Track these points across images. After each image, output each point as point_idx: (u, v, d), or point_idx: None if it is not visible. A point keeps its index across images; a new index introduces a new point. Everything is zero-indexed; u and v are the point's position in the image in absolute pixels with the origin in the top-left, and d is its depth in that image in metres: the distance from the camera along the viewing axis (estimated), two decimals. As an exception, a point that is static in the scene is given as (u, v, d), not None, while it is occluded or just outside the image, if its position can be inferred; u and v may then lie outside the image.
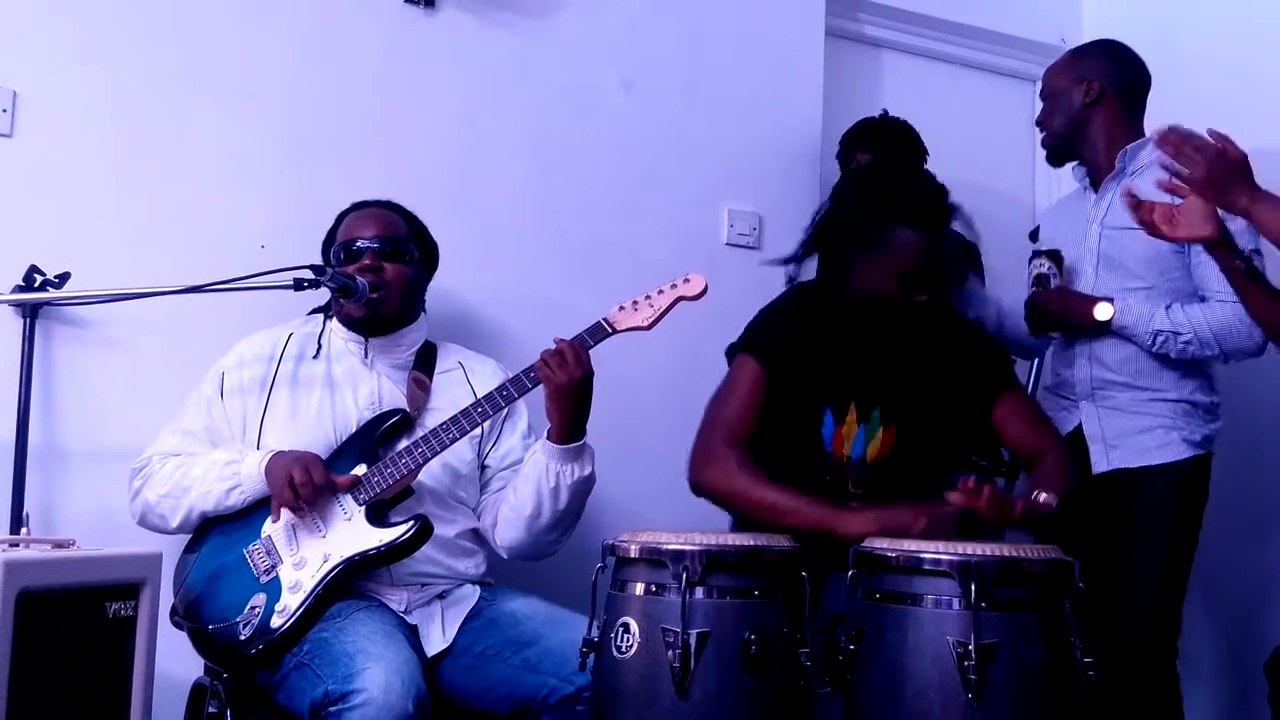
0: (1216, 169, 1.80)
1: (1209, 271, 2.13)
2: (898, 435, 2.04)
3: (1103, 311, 2.20)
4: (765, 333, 2.08)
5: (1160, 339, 2.17)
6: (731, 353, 2.11)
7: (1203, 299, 2.17)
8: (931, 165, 2.33)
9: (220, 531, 1.96)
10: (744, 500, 1.94)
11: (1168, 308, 2.18)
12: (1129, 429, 2.24)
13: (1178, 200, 1.92)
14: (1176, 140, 1.83)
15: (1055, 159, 2.43)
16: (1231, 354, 2.16)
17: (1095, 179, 2.35)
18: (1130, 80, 2.34)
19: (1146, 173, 2.21)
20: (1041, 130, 2.43)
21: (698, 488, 2.01)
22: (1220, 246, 1.96)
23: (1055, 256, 2.31)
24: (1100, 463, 2.26)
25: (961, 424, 2.07)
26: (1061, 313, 2.28)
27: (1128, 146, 2.29)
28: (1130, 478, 2.23)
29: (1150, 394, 2.24)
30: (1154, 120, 2.92)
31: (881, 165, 2.46)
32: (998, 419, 2.06)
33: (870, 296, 1.96)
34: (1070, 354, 2.34)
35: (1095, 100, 2.30)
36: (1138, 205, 1.97)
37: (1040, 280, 2.31)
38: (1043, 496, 1.83)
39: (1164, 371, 2.23)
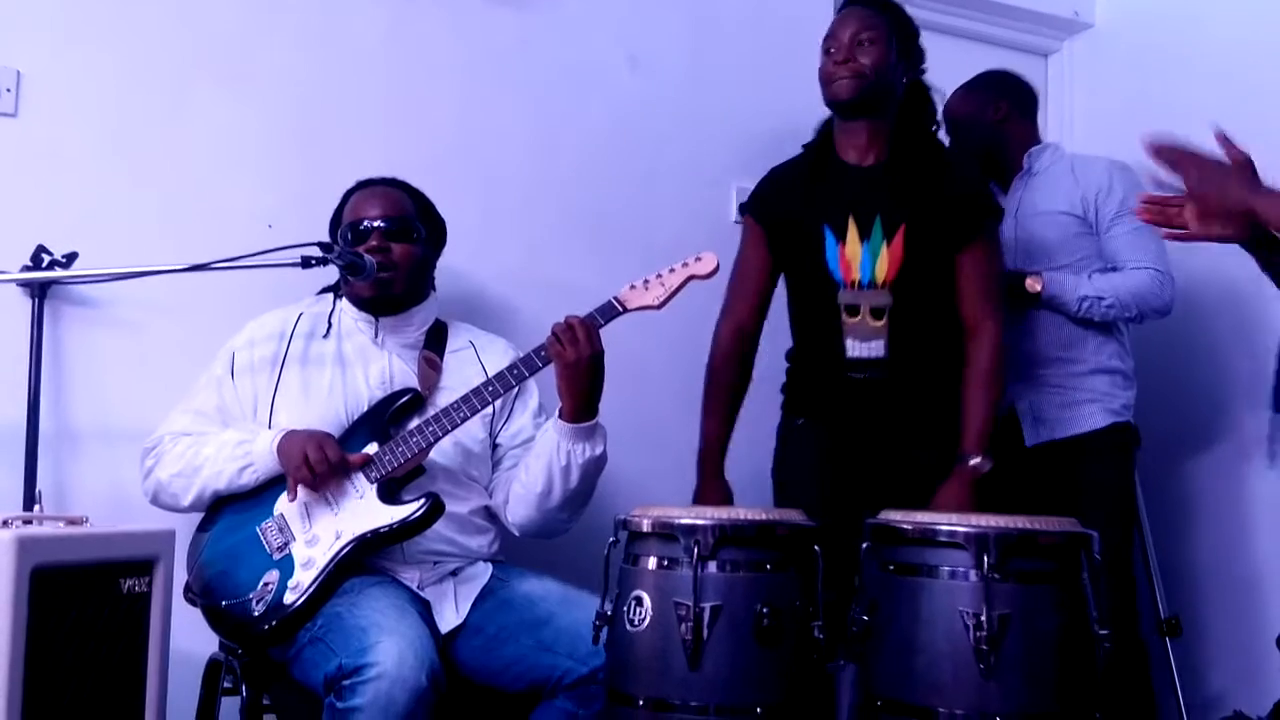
0: (1208, 173, 1.68)
1: (1120, 244, 2.40)
2: (905, 248, 2.06)
3: (1033, 284, 2.39)
4: (757, 188, 2.25)
5: (1085, 304, 2.38)
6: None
7: (1115, 268, 2.40)
8: (943, 138, 2.36)
9: (233, 510, 1.96)
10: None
11: (1089, 276, 2.40)
12: (1055, 403, 2.43)
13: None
14: (1168, 153, 1.71)
15: None
16: (1147, 314, 2.41)
17: (1008, 181, 2.57)
18: (1025, 96, 2.61)
19: (1049, 170, 2.51)
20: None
21: None
22: (1255, 245, 1.78)
23: None
24: (1030, 436, 2.44)
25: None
26: None
27: (1033, 148, 2.55)
28: (1059, 449, 2.42)
29: (1074, 365, 2.43)
30: (1171, 93, 2.90)
31: None
32: (960, 265, 2.12)
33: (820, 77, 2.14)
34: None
35: (1004, 116, 2.55)
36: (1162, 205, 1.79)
37: None
38: (972, 461, 2.01)
39: (1086, 339, 2.44)
